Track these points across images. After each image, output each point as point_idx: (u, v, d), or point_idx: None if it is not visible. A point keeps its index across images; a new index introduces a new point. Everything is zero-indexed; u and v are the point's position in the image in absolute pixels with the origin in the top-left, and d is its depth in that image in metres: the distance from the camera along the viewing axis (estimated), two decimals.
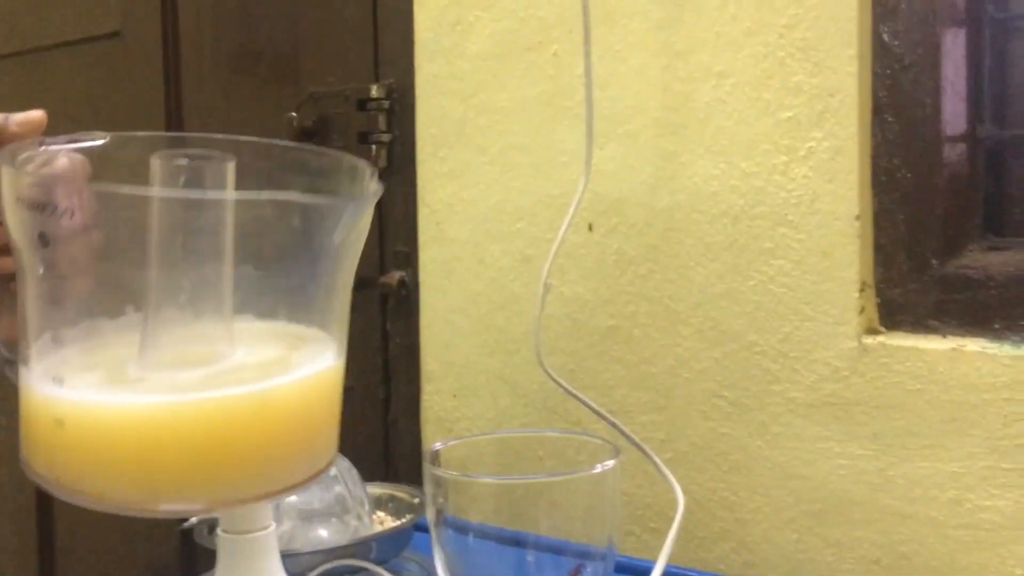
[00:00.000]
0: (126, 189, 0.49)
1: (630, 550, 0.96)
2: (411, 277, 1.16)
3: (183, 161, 0.52)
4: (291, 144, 0.63)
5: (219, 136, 0.57)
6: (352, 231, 0.55)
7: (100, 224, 0.47)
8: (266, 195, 0.53)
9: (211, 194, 0.52)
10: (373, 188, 0.56)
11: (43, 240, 0.48)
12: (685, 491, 0.94)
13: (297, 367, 0.55)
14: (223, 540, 0.64)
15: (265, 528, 0.65)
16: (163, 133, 1.31)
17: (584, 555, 0.50)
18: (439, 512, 0.52)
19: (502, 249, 1.08)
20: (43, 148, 0.51)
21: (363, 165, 0.58)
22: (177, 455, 0.50)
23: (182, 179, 0.52)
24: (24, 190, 0.47)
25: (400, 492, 0.91)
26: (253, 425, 0.50)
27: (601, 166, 0.99)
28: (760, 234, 0.90)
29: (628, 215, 0.98)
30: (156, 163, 0.53)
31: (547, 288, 0.91)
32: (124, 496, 0.50)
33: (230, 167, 0.53)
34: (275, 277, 0.56)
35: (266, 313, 0.57)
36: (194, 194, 0.51)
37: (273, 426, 0.52)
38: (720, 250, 0.93)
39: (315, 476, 0.56)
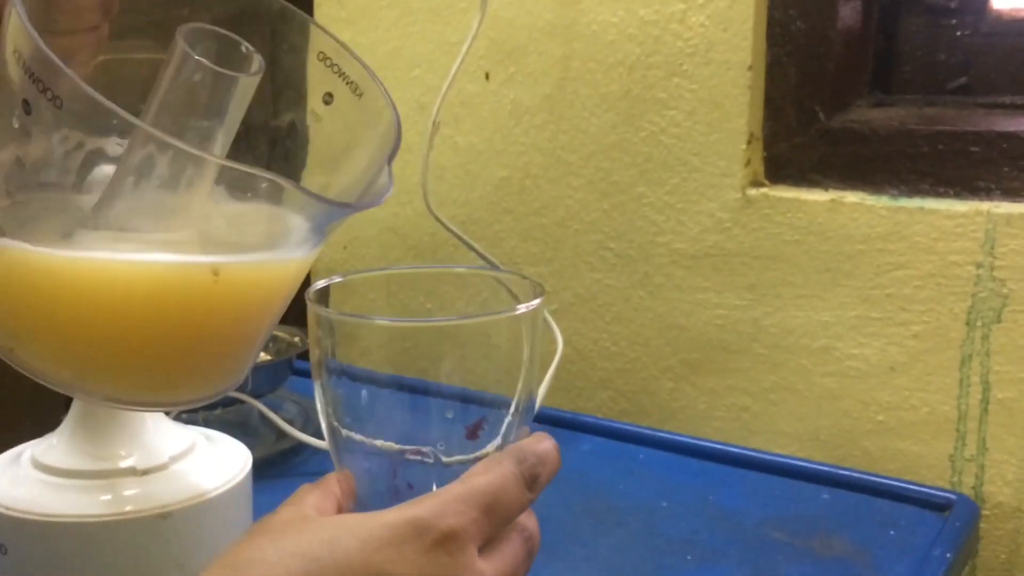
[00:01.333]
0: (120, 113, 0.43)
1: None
2: (302, 122, 1.13)
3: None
4: None
5: None
6: None
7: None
8: None
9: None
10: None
11: (26, 107, 0.42)
12: (568, 342, 0.95)
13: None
14: None
15: None
16: None
17: (494, 407, 0.44)
18: (323, 355, 0.45)
19: (398, 96, 1.04)
20: None
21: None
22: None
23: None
24: (25, 49, 0.39)
25: (280, 332, 0.90)
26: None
27: (499, 13, 0.97)
28: (654, 84, 0.89)
29: (525, 64, 0.96)
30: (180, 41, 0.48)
31: (435, 127, 0.89)
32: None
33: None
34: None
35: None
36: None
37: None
38: (615, 100, 0.92)
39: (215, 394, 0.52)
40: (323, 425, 0.45)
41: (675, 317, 0.91)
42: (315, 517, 0.39)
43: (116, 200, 0.46)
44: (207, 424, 0.74)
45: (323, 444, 0.56)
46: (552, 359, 0.85)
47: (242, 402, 0.79)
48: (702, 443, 0.81)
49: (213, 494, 0.62)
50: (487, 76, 0.99)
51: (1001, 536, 0.78)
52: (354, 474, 0.43)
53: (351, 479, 0.43)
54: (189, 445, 0.65)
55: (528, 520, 0.41)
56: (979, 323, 0.77)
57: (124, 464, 0.61)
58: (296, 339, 0.89)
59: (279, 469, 0.77)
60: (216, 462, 0.65)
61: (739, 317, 0.87)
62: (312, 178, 0.56)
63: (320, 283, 0.46)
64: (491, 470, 0.39)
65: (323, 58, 0.52)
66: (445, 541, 0.36)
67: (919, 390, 0.80)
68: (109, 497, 0.60)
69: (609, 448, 0.82)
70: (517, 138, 0.98)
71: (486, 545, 0.38)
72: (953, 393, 0.79)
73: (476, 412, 0.43)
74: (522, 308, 0.42)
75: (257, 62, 0.50)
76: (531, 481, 0.40)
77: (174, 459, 0.63)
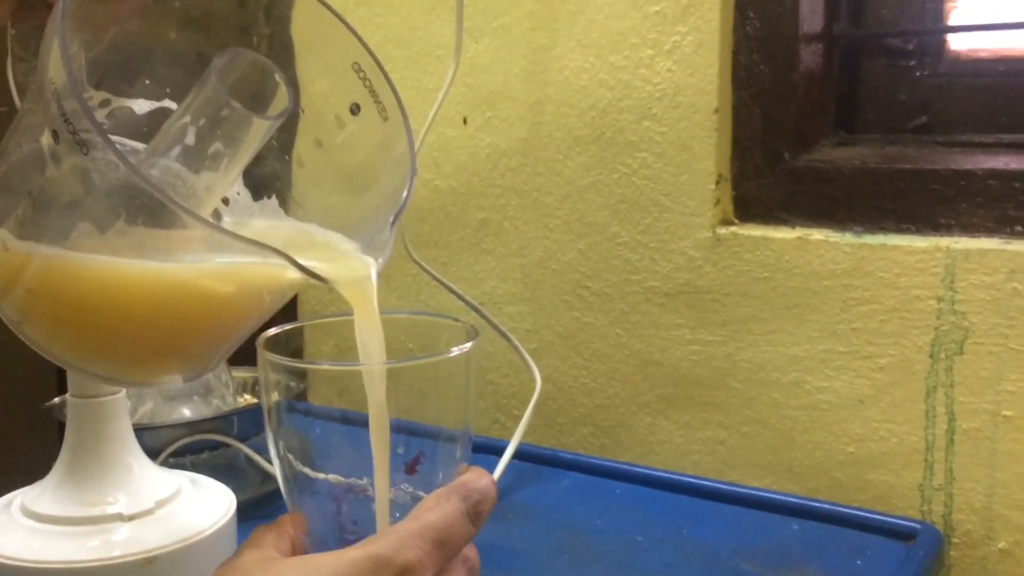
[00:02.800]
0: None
1: (496, 436, 0.99)
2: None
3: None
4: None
5: None
6: None
7: None
8: None
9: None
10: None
11: (55, 137, 0.44)
12: (548, 379, 0.98)
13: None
14: (72, 404, 0.65)
15: (115, 392, 0.65)
16: None
17: (432, 443, 0.48)
18: (273, 397, 0.48)
19: None
20: None
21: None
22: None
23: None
24: (58, 82, 0.40)
25: None
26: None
27: (476, 60, 1.00)
28: (625, 127, 0.92)
29: (501, 108, 0.99)
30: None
31: (413, 174, 0.91)
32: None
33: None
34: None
35: None
36: None
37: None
38: (588, 143, 0.94)
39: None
40: (275, 464, 0.48)
41: (651, 353, 0.93)
42: (278, 558, 0.41)
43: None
44: (194, 468, 0.76)
45: None
46: (531, 396, 0.88)
47: (228, 445, 0.81)
48: (676, 477, 0.83)
49: (198, 537, 0.64)
50: (465, 121, 1.02)
51: (971, 564, 0.80)
52: (305, 512, 0.47)
53: (302, 519, 0.46)
54: (175, 489, 0.67)
55: (470, 551, 0.44)
56: (942, 355, 0.80)
57: (111, 510, 0.63)
58: (292, 384, 0.91)
59: (265, 510, 0.79)
60: (201, 505, 0.67)
61: (713, 352, 0.90)
62: (326, 190, 0.56)
63: (271, 331, 0.49)
64: (440, 507, 0.42)
65: (357, 69, 0.52)
66: (405, 572, 0.39)
67: (887, 421, 0.82)
68: (97, 543, 0.62)
69: (587, 484, 0.84)
70: (495, 181, 1.00)
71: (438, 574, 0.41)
72: (920, 424, 0.81)
73: (416, 447, 0.46)
74: (455, 351, 0.46)
75: (286, 99, 0.50)
76: (475, 516, 0.43)
77: (160, 503, 0.65)
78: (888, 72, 0.89)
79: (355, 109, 0.53)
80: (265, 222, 0.55)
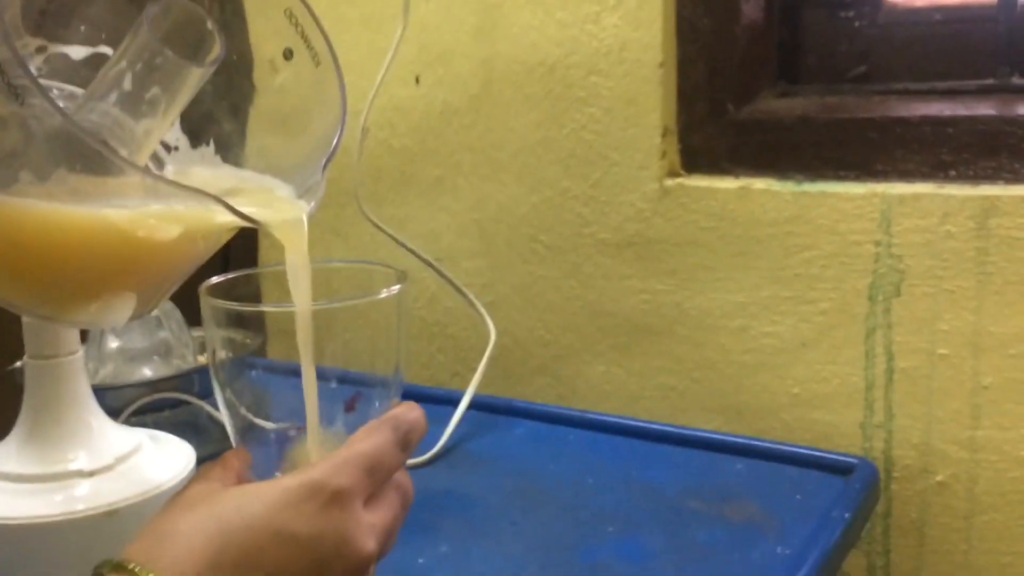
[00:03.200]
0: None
1: (456, 388, 1.01)
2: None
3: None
4: None
5: None
6: None
7: None
8: None
9: None
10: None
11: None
12: (505, 332, 1.00)
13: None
14: (30, 366, 0.66)
15: (72, 353, 0.66)
16: None
17: (368, 383, 0.50)
18: (217, 345, 0.51)
19: None
20: None
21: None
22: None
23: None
24: None
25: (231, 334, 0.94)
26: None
27: (427, 19, 1.01)
28: (574, 83, 0.94)
29: (453, 66, 1.00)
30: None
31: (365, 133, 0.93)
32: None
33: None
34: None
35: None
36: None
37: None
38: (538, 100, 0.96)
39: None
40: (222, 409, 0.50)
41: (603, 303, 0.95)
42: (221, 489, 0.43)
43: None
44: (156, 426, 0.78)
45: None
46: (486, 348, 0.90)
47: (189, 403, 0.83)
48: (627, 421, 0.86)
49: (158, 490, 0.66)
50: (417, 80, 1.03)
51: (911, 497, 0.84)
52: (251, 451, 0.50)
53: (247, 455, 0.49)
54: (135, 446, 0.69)
55: (402, 477, 0.47)
56: (880, 298, 0.82)
57: (72, 467, 0.65)
58: (247, 341, 0.93)
59: None
60: (161, 460, 0.69)
61: (662, 301, 0.92)
62: (257, 133, 0.57)
63: (214, 278, 0.51)
64: (371, 436, 0.45)
65: (289, 15, 0.54)
66: (337, 498, 0.42)
67: (829, 363, 0.85)
68: (60, 498, 0.64)
69: (541, 431, 0.87)
70: (448, 138, 1.02)
71: (369, 499, 0.44)
72: (860, 364, 0.84)
73: (352, 389, 0.49)
74: (384, 293, 0.49)
75: (218, 47, 0.52)
76: (405, 444, 0.46)
77: (120, 459, 0.67)
78: (828, 23, 0.91)
79: (288, 54, 0.54)
80: (204, 170, 0.57)
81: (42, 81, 0.53)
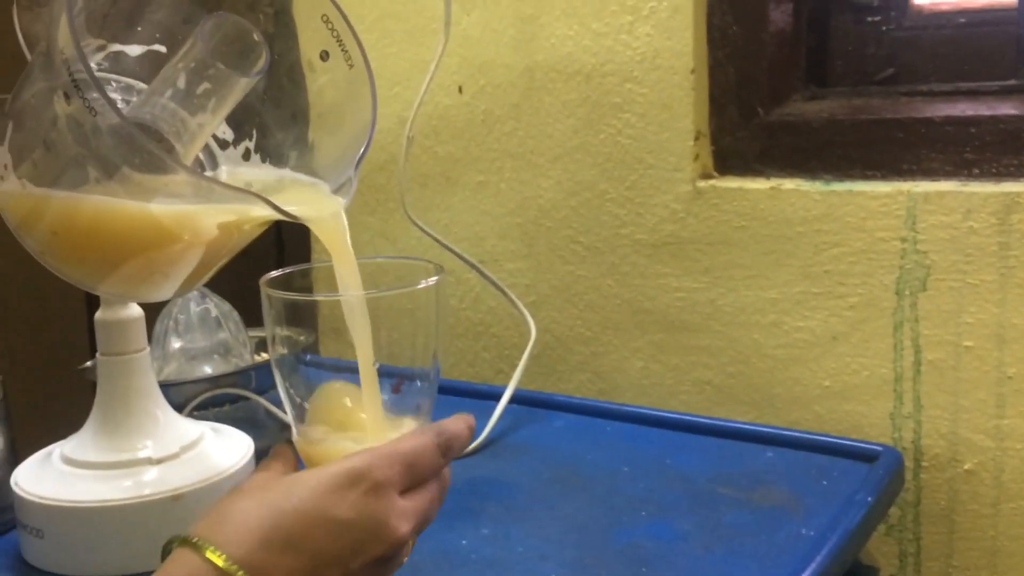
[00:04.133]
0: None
1: (499, 384, 1.05)
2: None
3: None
4: None
5: None
6: None
7: None
8: None
9: None
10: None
11: (67, 98, 0.49)
12: (546, 330, 1.04)
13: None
14: (101, 363, 0.72)
15: (139, 350, 0.72)
16: None
17: (407, 374, 0.55)
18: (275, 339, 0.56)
19: (380, 113, 1.14)
20: None
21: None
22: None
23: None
24: (67, 51, 0.47)
25: (286, 332, 0.99)
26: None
27: (468, 31, 1.05)
28: (610, 90, 0.98)
29: (493, 76, 1.05)
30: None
31: (410, 141, 0.97)
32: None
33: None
34: None
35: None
36: None
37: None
38: (575, 107, 1.00)
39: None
40: (283, 399, 0.56)
41: (641, 302, 0.99)
42: (276, 477, 0.49)
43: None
44: (217, 419, 0.83)
45: None
46: (527, 344, 0.94)
47: (247, 398, 0.88)
48: (662, 413, 0.90)
49: (220, 476, 0.71)
50: (460, 89, 1.08)
51: (940, 485, 0.86)
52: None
53: (292, 449, 0.55)
54: (198, 436, 0.74)
55: (446, 472, 0.52)
56: (907, 292, 0.85)
57: (141, 455, 0.70)
58: (301, 337, 0.98)
59: None
60: (222, 449, 0.74)
61: (697, 299, 0.95)
62: (297, 131, 0.63)
63: (273, 273, 0.56)
64: (416, 437, 0.50)
65: (326, 20, 0.58)
66: (376, 488, 0.47)
67: (859, 356, 0.88)
68: (129, 483, 0.69)
69: (579, 423, 0.90)
70: (490, 145, 1.06)
71: (407, 491, 0.49)
72: (889, 357, 0.87)
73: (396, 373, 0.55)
74: (423, 283, 0.54)
75: (264, 58, 0.57)
76: (446, 450, 0.51)
77: (185, 448, 0.72)
78: (855, 27, 0.94)
79: (324, 56, 0.59)
80: (248, 170, 0.63)
81: (101, 74, 0.59)
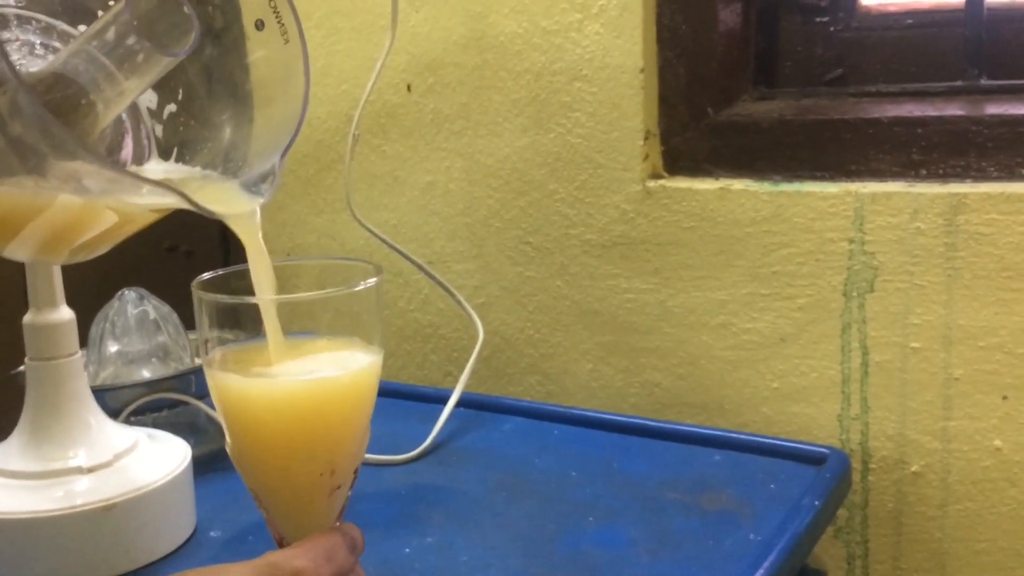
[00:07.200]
0: None
1: (448, 387, 1.04)
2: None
3: None
4: None
5: None
6: None
7: None
8: None
9: None
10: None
11: None
12: (495, 332, 1.03)
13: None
14: (30, 367, 0.69)
15: (70, 354, 0.69)
16: None
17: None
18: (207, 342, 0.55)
19: (328, 111, 1.13)
20: None
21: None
22: None
23: None
24: None
25: (228, 335, 0.97)
26: None
27: (417, 29, 1.04)
28: (559, 89, 0.96)
29: (442, 75, 1.03)
30: None
31: (356, 140, 0.96)
32: None
33: None
34: None
35: None
36: None
37: None
38: (524, 105, 0.99)
39: None
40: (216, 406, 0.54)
41: (590, 303, 0.98)
42: (197, 570, 0.49)
43: None
44: (156, 425, 0.81)
45: None
46: (474, 347, 0.93)
47: (187, 403, 0.86)
48: (610, 417, 0.89)
49: (154, 486, 0.69)
50: (409, 88, 1.06)
51: (887, 487, 0.86)
52: None
53: None
54: (132, 443, 0.72)
55: (359, 569, 0.54)
56: (855, 293, 0.85)
57: (72, 463, 0.68)
58: (236, 339, 0.95)
59: (225, 463, 0.84)
60: (157, 457, 0.72)
61: (646, 300, 0.95)
62: (224, 100, 0.61)
63: (206, 275, 0.54)
64: (326, 535, 0.52)
65: None
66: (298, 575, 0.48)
67: (807, 357, 0.88)
68: (60, 494, 0.67)
69: (527, 427, 0.89)
70: (439, 144, 1.05)
71: None
72: (836, 359, 0.86)
73: None
74: (361, 285, 0.53)
75: (194, 33, 0.54)
76: (352, 548, 0.53)
77: (118, 456, 0.70)
78: (804, 28, 0.94)
79: (259, 25, 0.57)
80: (158, 166, 0.61)
81: (24, 12, 0.57)
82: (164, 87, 0.61)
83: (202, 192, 0.55)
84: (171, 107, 0.62)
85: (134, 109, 0.61)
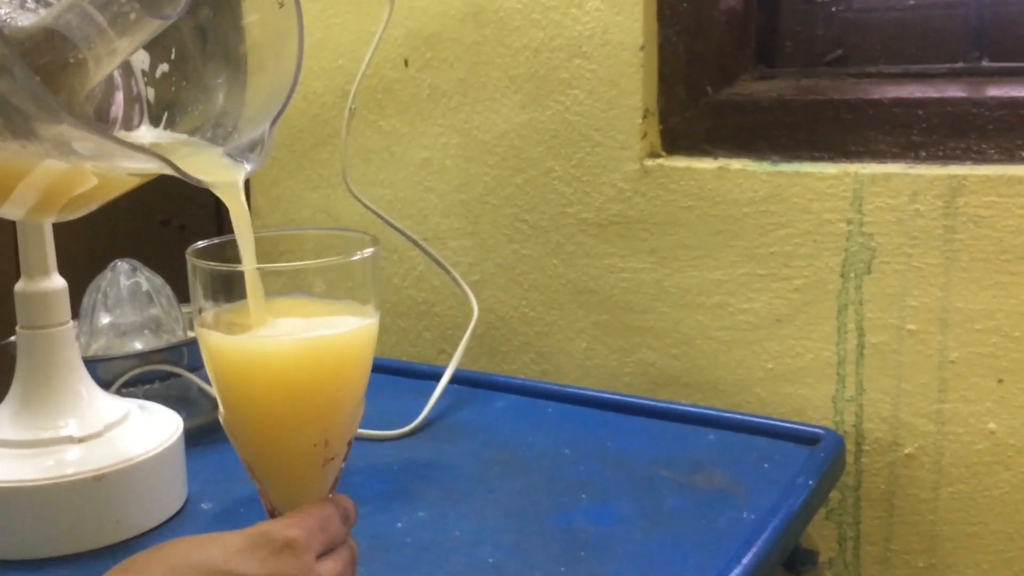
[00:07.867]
0: None
1: (442, 364, 1.04)
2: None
3: None
4: None
5: None
6: None
7: None
8: None
9: None
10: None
11: None
12: (490, 309, 1.02)
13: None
14: (21, 336, 0.69)
15: (62, 324, 0.69)
16: None
17: None
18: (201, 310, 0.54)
19: (324, 86, 1.12)
20: None
21: None
22: None
23: None
24: None
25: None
26: None
27: (415, 3, 1.03)
28: (558, 65, 0.96)
29: (440, 50, 1.02)
30: None
31: (352, 114, 0.95)
32: None
33: None
34: None
35: None
36: None
37: None
38: (522, 82, 0.98)
39: None
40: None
41: (586, 282, 0.97)
42: (184, 538, 0.48)
43: None
44: (147, 397, 0.80)
45: None
46: (468, 324, 0.92)
47: (179, 375, 0.85)
48: (604, 395, 0.88)
49: (145, 456, 0.69)
50: (406, 63, 1.05)
51: (880, 468, 0.86)
52: None
53: None
54: (124, 414, 0.71)
55: (351, 540, 0.53)
56: (852, 275, 0.84)
57: (63, 433, 0.68)
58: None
59: (217, 436, 0.83)
60: (148, 428, 0.72)
61: (642, 279, 0.94)
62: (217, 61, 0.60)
63: (200, 243, 0.53)
64: (319, 505, 0.51)
65: None
66: (289, 545, 0.47)
67: (803, 338, 0.87)
68: (51, 463, 0.66)
69: (521, 404, 0.89)
70: (436, 120, 1.04)
71: (323, 555, 0.49)
72: (832, 340, 0.86)
73: None
74: (358, 255, 0.52)
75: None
76: (345, 519, 0.52)
77: (109, 427, 0.69)
78: (805, 8, 0.93)
79: None
80: (148, 132, 0.60)
81: None
82: (157, 46, 0.60)
83: (190, 160, 0.54)
84: (163, 67, 0.61)
85: (126, 67, 0.60)
